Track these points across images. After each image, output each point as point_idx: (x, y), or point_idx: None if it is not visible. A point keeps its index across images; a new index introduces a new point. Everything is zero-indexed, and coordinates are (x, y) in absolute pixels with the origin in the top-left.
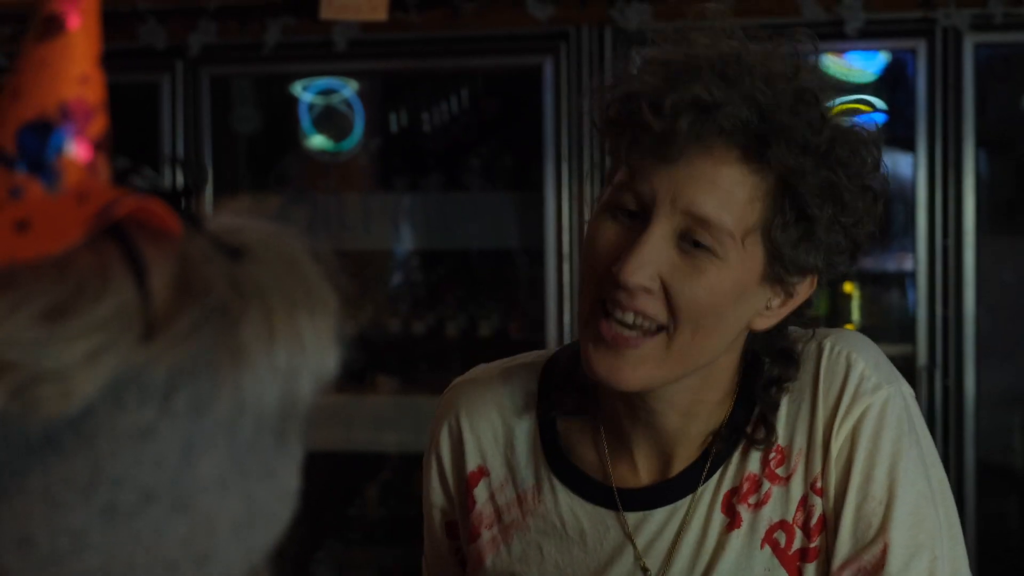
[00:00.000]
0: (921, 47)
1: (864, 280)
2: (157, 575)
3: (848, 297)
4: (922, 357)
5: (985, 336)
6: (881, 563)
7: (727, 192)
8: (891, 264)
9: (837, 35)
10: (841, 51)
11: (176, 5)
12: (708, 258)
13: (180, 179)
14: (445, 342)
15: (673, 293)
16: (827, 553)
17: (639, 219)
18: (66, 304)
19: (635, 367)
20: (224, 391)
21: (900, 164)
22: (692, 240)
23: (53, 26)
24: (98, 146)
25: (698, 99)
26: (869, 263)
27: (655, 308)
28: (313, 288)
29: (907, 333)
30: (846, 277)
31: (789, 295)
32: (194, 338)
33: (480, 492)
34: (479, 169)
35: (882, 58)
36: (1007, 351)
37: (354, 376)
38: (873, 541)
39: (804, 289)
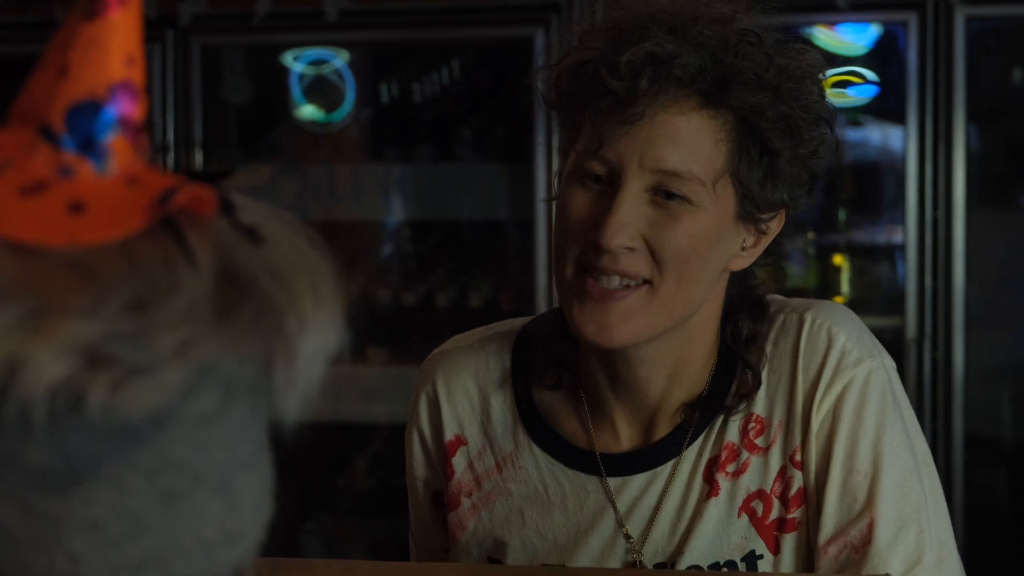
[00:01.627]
0: (912, 20)
1: (854, 253)
2: (198, 557)
3: (838, 269)
4: (911, 329)
5: (974, 309)
6: (868, 538)
7: (691, 142)
8: (881, 237)
9: (828, 7)
10: (832, 23)
11: None
12: (683, 206)
13: (202, 159)
14: (435, 313)
15: (656, 246)
16: (806, 526)
17: (608, 183)
18: (145, 296)
19: (623, 321)
20: (274, 379)
21: (891, 137)
22: (665, 192)
23: (100, 4)
24: (141, 128)
25: (652, 54)
26: (859, 235)
27: (639, 265)
28: (318, 269)
29: (896, 305)
30: (836, 248)
31: (761, 232)
32: (255, 328)
33: (458, 461)
34: (470, 140)
35: (873, 31)
36: (996, 324)
37: (344, 347)
38: (859, 516)
39: (774, 226)
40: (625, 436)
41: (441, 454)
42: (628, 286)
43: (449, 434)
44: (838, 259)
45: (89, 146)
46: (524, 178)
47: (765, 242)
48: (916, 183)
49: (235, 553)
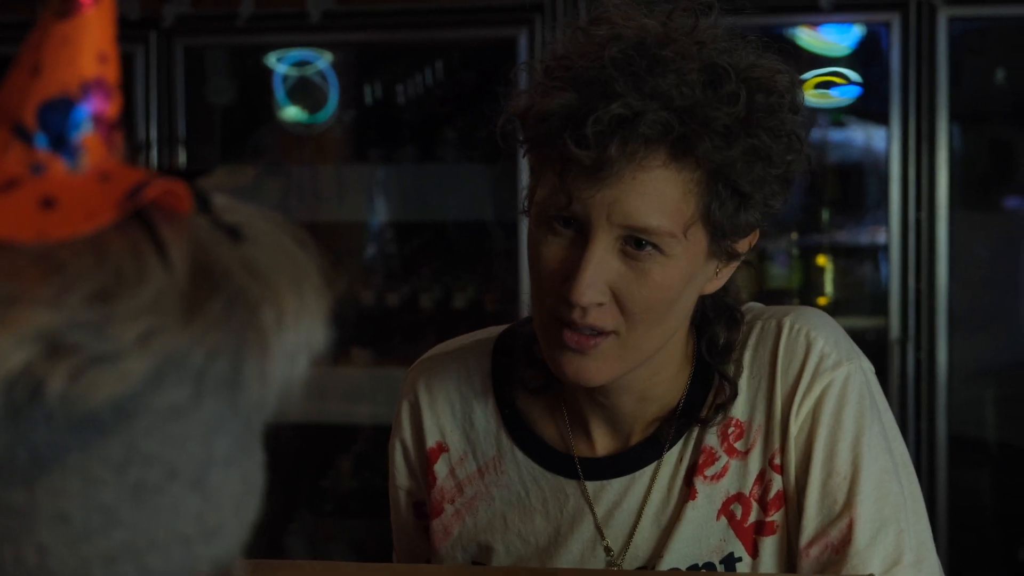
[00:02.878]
0: (895, 20)
1: (837, 253)
2: (174, 551)
3: (821, 270)
4: (895, 330)
5: (957, 309)
6: (848, 538)
7: (659, 197)
8: (864, 237)
9: (811, 8)
10: (815, 24)
11: None
12: (653, 257)
13: (186, 159)
14: (420, 314)
15: (624, 300)
16: (786, 529)
17: (577, 231)
18: (110, 287)
19: (598, 365)
20: (246, 373)
21: (874, 137)
22: (635, 242)
23: (73, 3)
24: (115, 125)
25: (619, 117)
26: (843, 236)
27: (607, 319)
28: (302, 267)
29: (880, 306)
30: (819, 249)
31: (733, 256)
32: (226, 321)
33: (440, 468)
34: (454, 141)
35: (856, 31)
36: (979, 324)
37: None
38: (839, 517)
39: (745, 244)
40: (601, 443)
41: (423, 461)
42: (595, 336)
43: (431, 441)
44: (821, 260)
45: (61, 143)
46: (508, 179)
47: (736, 262)
48: (899, 184)
49: (214, 549)
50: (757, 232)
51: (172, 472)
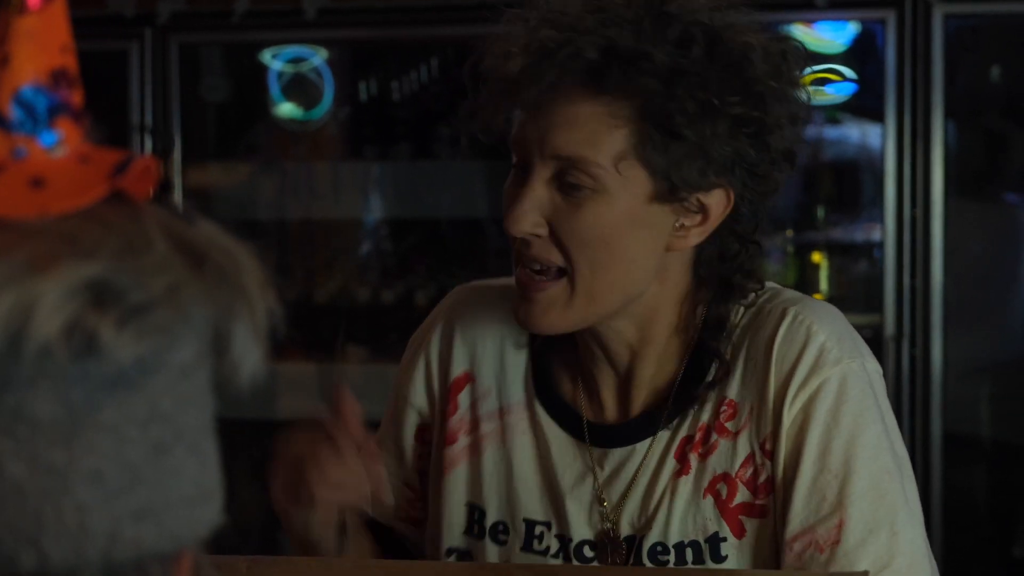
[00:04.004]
0: (890, 17)
1: (832, 250)
2: (182, 512)
3: (816, 267)
4: (890, 327)
5: (953, 307)
6: (836, 539)
7: (584, 128)
8: (859, 234)
9: (806, 5)
10: (810, 21)
11: None
12: (585, 194)
13: (149, 144)
14: (415, 311)
15: (559, 233)
16: (774, 516)
17: (524, 170)
18: (125, 250)
19: (543, 313)
20: (236, 334)
21: (869, 135)
22: (568, 180)
23: (28, 2)
24: (82, 112)
25: (541, 42)
26: (838, 233)
27: (547, 252)
28: (242, 249)
29: (875, 303)
30: (814, 246)
31: (702, 212)
32: (219, 284)
33: (463, 398)
34: (449, 138)
35: (851, 29)
36: (974, 321)
37: (323, 345)
38: (828, 516)
39: (717, 204)
40: (608, 407)
41: (445, 389)
42: (545, 278)
43: (458, 370)
44: (816, 257)
45: (38, 128)
46: (503, 175)
47: (712, 222)
48: (895, 181)
49: (209, 513)
50: (729, 196)
51: (179, 433)
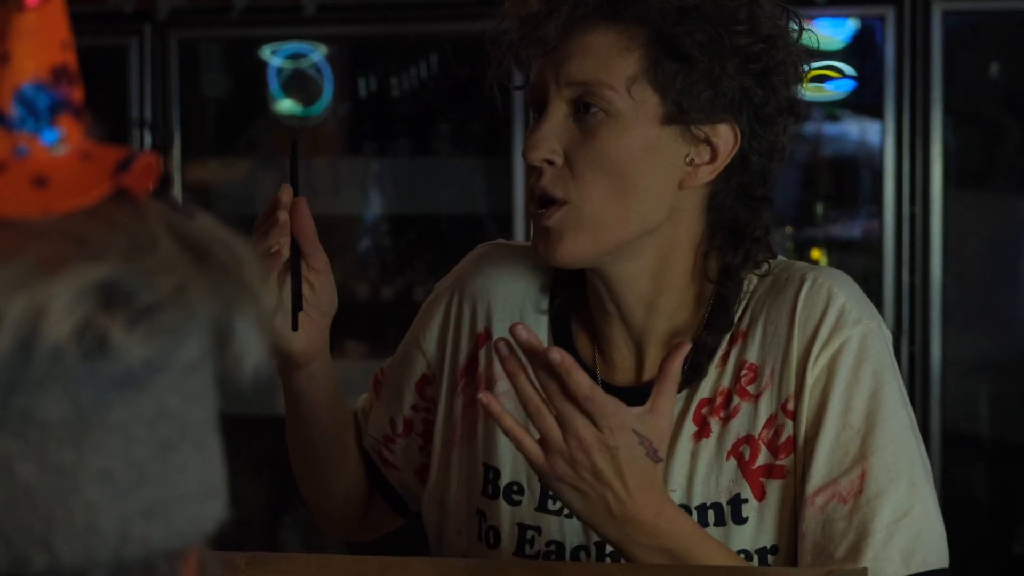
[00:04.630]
0: (890, 14)
1: (831, 247)
2: (189, 509)
3: (815, 263)
4: (889, 324)
5: (952, 304)
6: (859, 488)
7: (597, 53)
8: (858, 231)
9: (806, 2)
10: (810, 18)
11: None
12: (600, 119)
13: (148, 140)
14: (414, 307)
15: (574, 160)
16: (795, 476)
17: (542, 109)
18: (132, 249)
19: (556, 242)
20: (240, 328)
21: (868, 131)
22: (583, 104)
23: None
24: (82, 109)
25: None
26: (837, 230)
27: (554, 184)
28: (243, 240)
29: (874, 300)
30: (813, 242)
31: (710, 146)
32: (223, 280)
33: (483, 354)
34: (448, 134)
35: (851, 25)
36: (974, 319)
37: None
38: (851, 468)
39: (726, 142)
40: (623, 369)
41: (473, 343)
42: (548, 207)
43: (480, 326)
44: (816, 253)
45: (40, 126)
46: (502, 172)
47: (722, 160)
48: (894, 177)
49: (214, 509)
50: (736, 133)
51: (185, 430)
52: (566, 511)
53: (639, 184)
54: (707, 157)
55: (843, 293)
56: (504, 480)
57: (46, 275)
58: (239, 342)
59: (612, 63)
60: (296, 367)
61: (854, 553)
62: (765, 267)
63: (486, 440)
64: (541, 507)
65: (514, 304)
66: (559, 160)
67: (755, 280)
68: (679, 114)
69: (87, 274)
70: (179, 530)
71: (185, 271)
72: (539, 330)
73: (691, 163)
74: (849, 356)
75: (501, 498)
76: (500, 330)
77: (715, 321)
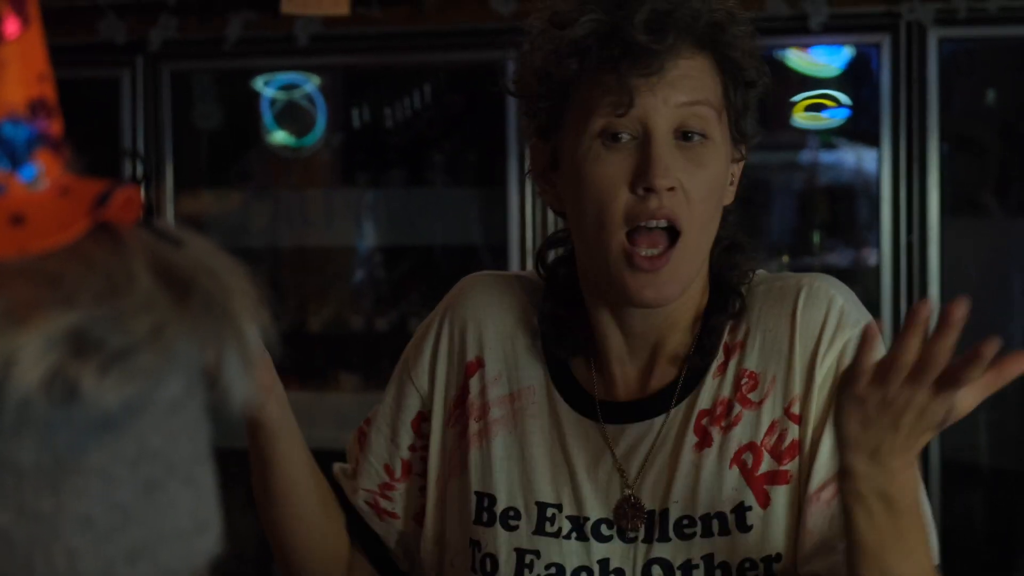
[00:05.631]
0: (885, 42)
1: (827, 274)
2: (178, 546)
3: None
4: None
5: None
6: None
7: (699, 78)
8: (855, 260)
9: (801, 30)
10: (805, 46)
11: (136, 0)
12: (704, 145)
13: (132, 171)
14: (408, 339)
15: (689, 187)
16: (799, 479)
17: (634, 138)
18: (107, 289)
19: (672, 281)
20: (228, 363)
21: (865, 159)
22: (686, 132)
23: (5, 29)
24: (61, 142)
25: (657, 10)
26: (834, 258)
27: (680, 209)
28: (234, 267)
29: None
30: (810, 271)
31: (734, 169)
32: (206, 315)
33: (474, 383)
34: (442, 165)
35: (846, 53)
36: (971, 346)
37: (317, 374)
38: None
39: (739, 165)
40: (622, 385)
41: (461, 374)
42: (666, 249)
43: (471, 355)
44: None
45: (17, 162)
46: (497, 202)
47: (736, 182)
48: (890, 205)
49: (206, 543)
50: (744, 159)
51: (171, 467)
52: (564, 533)
53: (717, 210)
54: (732, 177)
55: (841, 296)
56: (500, 506)
57: (16, 323)
58: (226, 375)
59: (709, 86)
60: (264, 431)
61: None
62: (751, 277)
63: (481, 468)
64: (539, 531)
65: (505, 331)
66: (678, 186)
67: (744, 291)
68: (739, 135)
69: (57, 321)
70: (168, 568)
71: (164, 310)
72: (532, 353)
73: (731, 183)
74: (852, 355)
75: (498, 524)
76: (493, 358)
77: (705, 344)
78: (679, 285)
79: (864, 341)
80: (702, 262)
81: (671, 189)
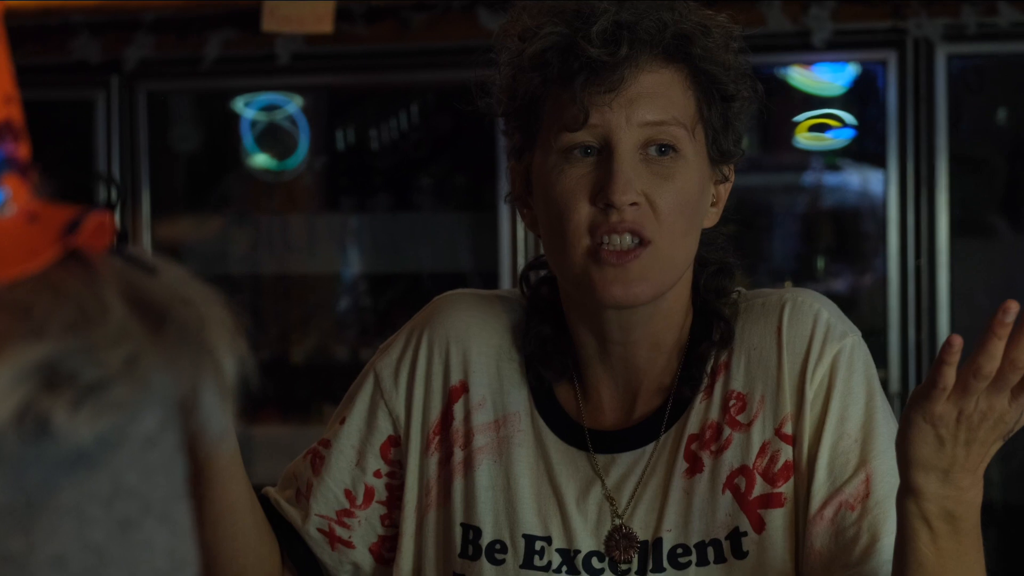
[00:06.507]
0: (892, 58)
1: (834, 301)
2: None
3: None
4: (894, 383)
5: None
6: (866, 492)
7: (666, 95)
8: (861, 286)
9: (804, 46)
10: (808, 63)
11: (111, 17)
12: (673, 160)
13: (103, 194)
14: None
15: (656, 201)
16: (795, 501)
17: (599, 152)
18: (79, 320)
19: (641, 280)
20: (205, 395)
21: (870, 181)
22: (655, 146)
23: None
24: (28, 166)
25: (618, 23)
26: (839, 285)
27: (644, 221)
28: (209, 295)
29: (879, 359)
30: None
31: (717, 190)
32: (182, 346)
33: (458, 408)
34: (430, 188)
35: (851, 70)
36: None
37: (299, 406)
38: (854, 475)
39: (727, 182)
40: (610, 411)
41: (445, 398)
42: (635, 247)
43: (455, 379)
44: None
45: None
46: (487, 227)
47: (722, 202)
48: (898, 229)
49: None
50: (732, 176)
51: (147, 505)
52: (554, 567)
53: (696, 223)
54: (715, 199)
55: (825, 310)
56: (486, 539)
57: None
58: (202, 408)
59: (679, 102)
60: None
61: (868, 554)
62: (734, 296)
63: (465, 499)
64: (527, 564)
65: (490, 354)
66: (643, 201)
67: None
68: (718, 154)
69: (27, 354)
70: None
71: (138, 340)
72: (517, 378)
73: (712, 204)
74: (842, 368)
75: (483, 558)
76: (478, 382)
77: (691, 369)
78: (649, 287)
79: (945, 355)
80: (676, 276)
81: (634, 204)
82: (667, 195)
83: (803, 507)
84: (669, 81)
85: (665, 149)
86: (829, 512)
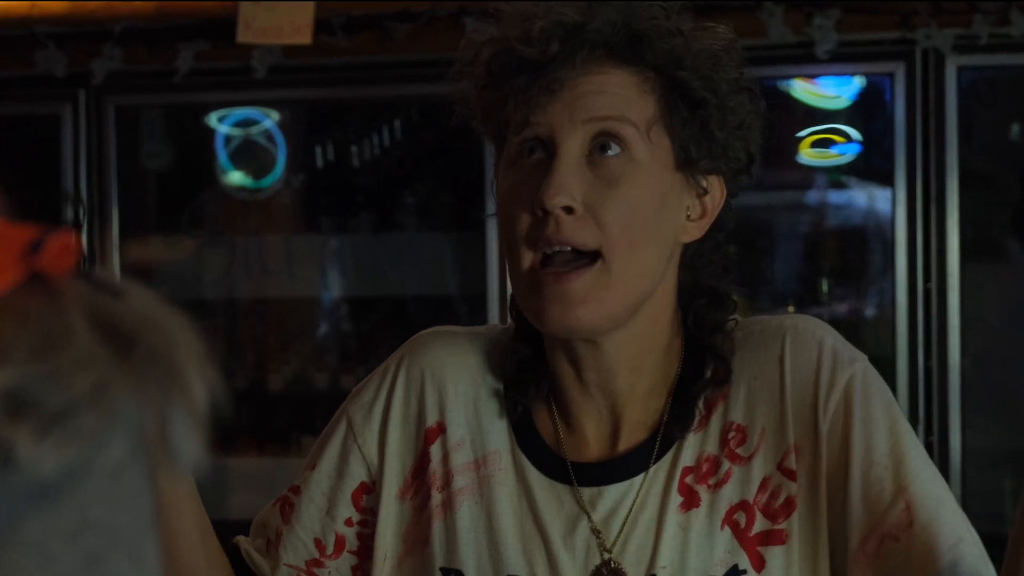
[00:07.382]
0: (899, 70)
1: (838, 327)
2: None
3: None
4: (903, 413)
5: (971, 389)
6: (909, 520)
7: (617, 93)
8: (868, 310)
9: (807, 58)
10: (812, 76)
11: (78, 28)
12: (621, 163)
13: (69, 213)
14: None
15: (598, 211)
16: (799, 538)
17: (544, 153)
18: (44, 346)
19: (583, 303)
20: (174, 423)
21: (877, 199)
22: (600, 146)
23: None
24: None
25: (560, 22)
26: (844, 308)
27: (584, 232)
28: (176, 319)
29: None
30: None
31: (702, 197)
32: (151, 372)
33: (435, 450)
34: (414, 207)
35: (857, 83)
36: (996, 405)
37: (277, 437)
38: (893, 503)
39: (714, 196)
40: (593, 440)
41: (420, 440)
42: (579, 266)
43: (431, 420)
44: None
45: None
46: (474, 248)
47: (709, 217)
48: (906, 250)
49: None
50: (723, 188)
51: (115, 539)
52: None
53: (656, 236)
54: (699, 212)
55: (829, 336)
56: None
57: None
58: (172, 437)
59: (631, 102)
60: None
61: None
62: (731, 324)
63: (447, 542)
64: None
65: (467, 392)
66: (580, 207)
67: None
68: (687, 162)
69: None
70: None
71: (104, 367)
72: (496, 416)
73: (688, 217)
74: (857, 394)
75: None
76: (456, 422)
77: (684, 396)
78: (594, 311)
79: None
80: (633, 299)
81: (571, 212)
82: (613, 202)
83: (841, 538)
84: (622, 82)
85: (609, 146)
86: (871, 547)
